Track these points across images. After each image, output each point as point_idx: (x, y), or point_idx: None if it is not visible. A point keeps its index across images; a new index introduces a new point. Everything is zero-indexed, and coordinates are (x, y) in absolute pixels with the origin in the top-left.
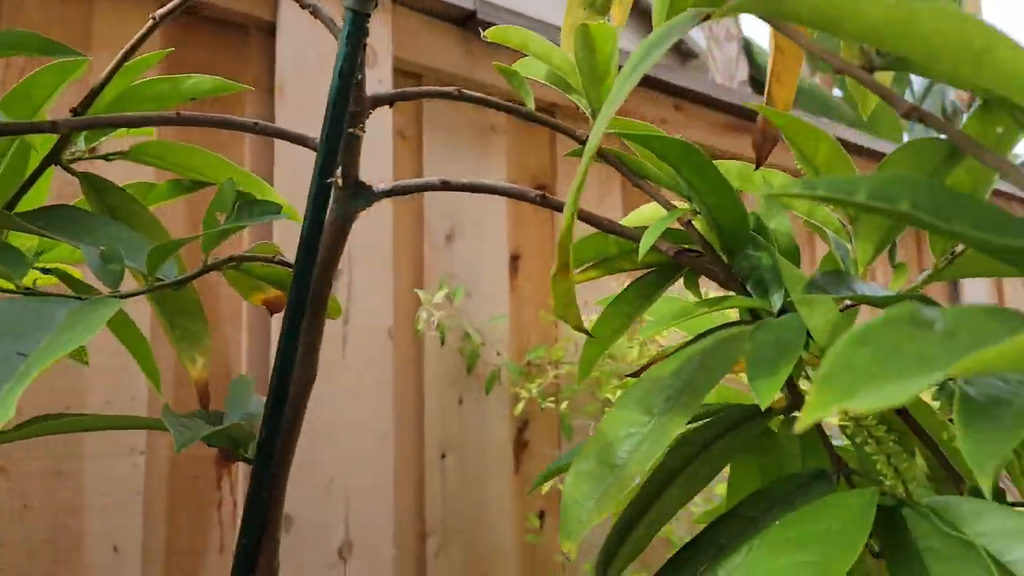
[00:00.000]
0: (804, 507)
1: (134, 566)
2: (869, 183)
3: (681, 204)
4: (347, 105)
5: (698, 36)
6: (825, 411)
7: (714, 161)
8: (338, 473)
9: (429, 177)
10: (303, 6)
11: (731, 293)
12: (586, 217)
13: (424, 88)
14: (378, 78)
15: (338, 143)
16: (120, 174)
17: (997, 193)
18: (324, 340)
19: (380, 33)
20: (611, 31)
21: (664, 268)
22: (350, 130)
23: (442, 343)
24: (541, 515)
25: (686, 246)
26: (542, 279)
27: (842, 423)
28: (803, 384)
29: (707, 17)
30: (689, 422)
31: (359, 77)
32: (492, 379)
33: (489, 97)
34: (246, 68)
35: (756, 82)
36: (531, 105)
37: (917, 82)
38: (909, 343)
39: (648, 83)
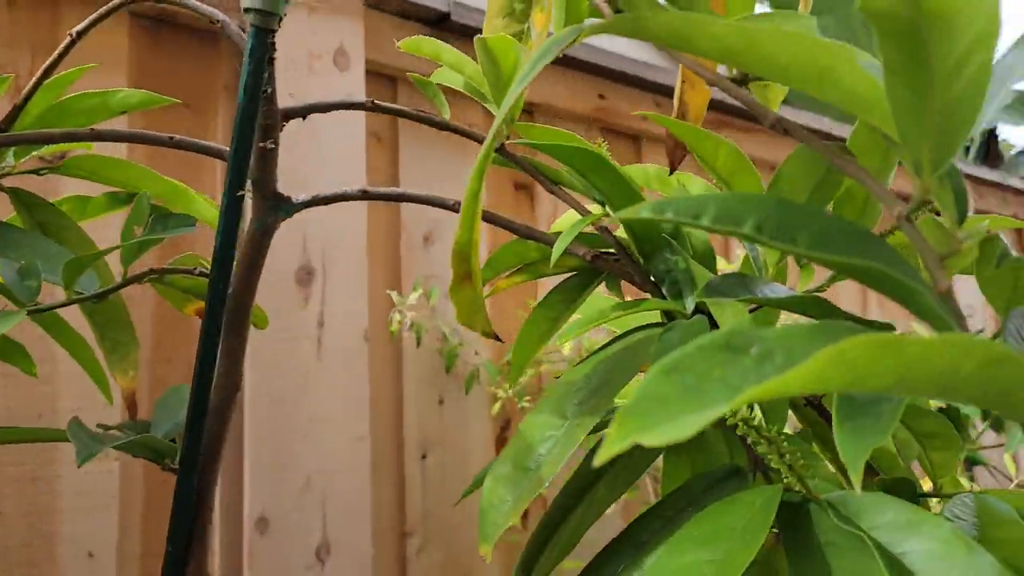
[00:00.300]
0: (714, 505)
1: (109, 570)
2: (715, 205)
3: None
4: (254, 120)
5: None
6: (622, 444)
7: (629, 165)
8: (315, 474)
9: (352, 188)
10: (212, 22)
11: (648, 296)
12: (502, 223)
13: (337, 101)
14: (351, 81)
15: (247, 157)
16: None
17: (994, 185)
18: (300, 342)
19: (353, 35)
20: (511, 43)
21: (586, 272)
22: (261, 143)
23: (418, 344)
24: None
25: (605, 250)
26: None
27: (732, 422)
28: None
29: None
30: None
31: (268, 90)
32: (471, 379)
33: (403, 108)
34: (217, 74)
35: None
36: (446, 115)
37: None
38: (717, 370)
39: (628, 81)
